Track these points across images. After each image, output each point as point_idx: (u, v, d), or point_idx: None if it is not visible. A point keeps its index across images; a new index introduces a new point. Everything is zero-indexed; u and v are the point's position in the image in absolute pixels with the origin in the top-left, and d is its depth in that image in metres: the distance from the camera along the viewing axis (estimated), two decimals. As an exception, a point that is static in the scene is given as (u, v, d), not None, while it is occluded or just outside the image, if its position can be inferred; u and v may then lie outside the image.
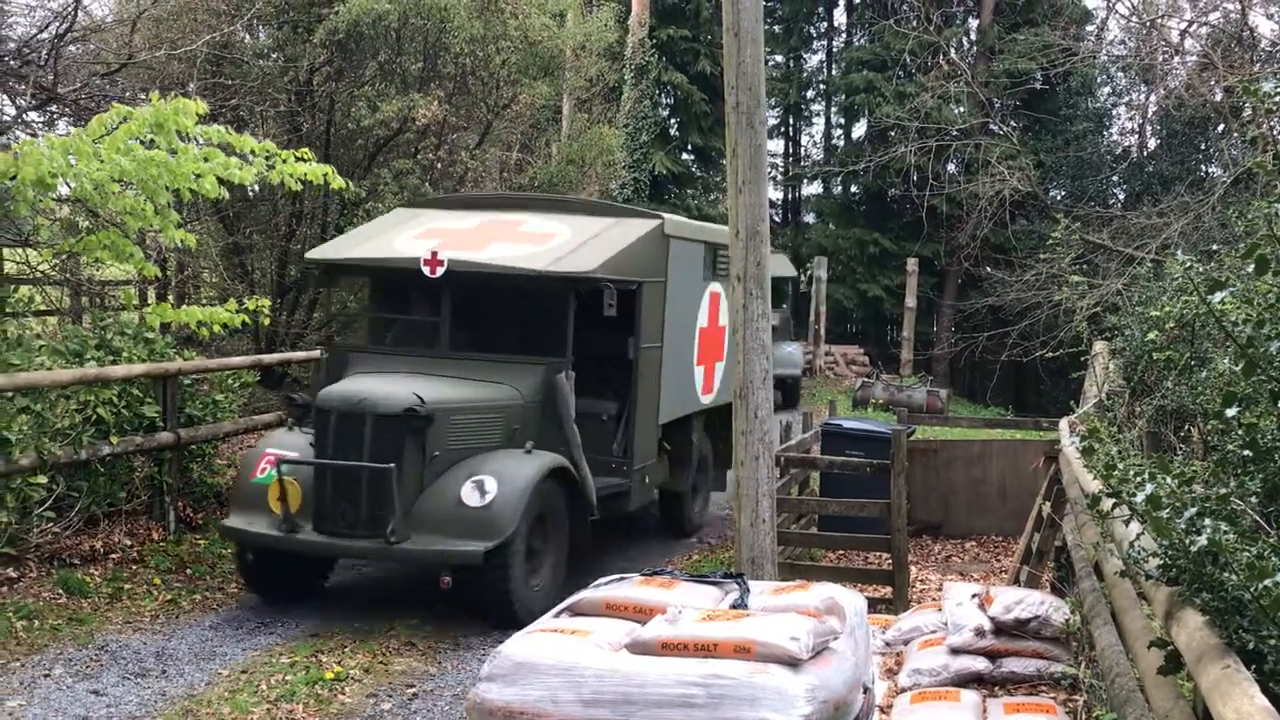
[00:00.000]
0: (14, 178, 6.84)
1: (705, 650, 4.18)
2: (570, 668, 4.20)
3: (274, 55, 13.11)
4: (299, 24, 12.83)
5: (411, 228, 9.11)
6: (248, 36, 13.70)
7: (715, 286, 10.51)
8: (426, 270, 8.24)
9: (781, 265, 21.35)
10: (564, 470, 7.91)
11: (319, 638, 7.24)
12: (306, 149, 8.26)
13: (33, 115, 10.82)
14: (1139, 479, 3.39)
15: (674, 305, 9.48)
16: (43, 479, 7.59)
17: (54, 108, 10.87)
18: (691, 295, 10.03)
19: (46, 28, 10.65)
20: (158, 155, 7.30)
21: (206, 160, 7.58)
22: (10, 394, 7.55)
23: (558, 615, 4.92)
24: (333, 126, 13.18)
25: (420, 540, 7.22)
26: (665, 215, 9.63)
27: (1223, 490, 3.18)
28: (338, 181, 8.31)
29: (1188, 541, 3.01)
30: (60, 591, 7.54)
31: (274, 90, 12.72)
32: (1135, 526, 3.74)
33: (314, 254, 9.32)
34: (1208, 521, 2.95)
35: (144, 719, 5.88)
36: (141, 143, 7.36)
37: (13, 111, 10.60)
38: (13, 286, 11.34)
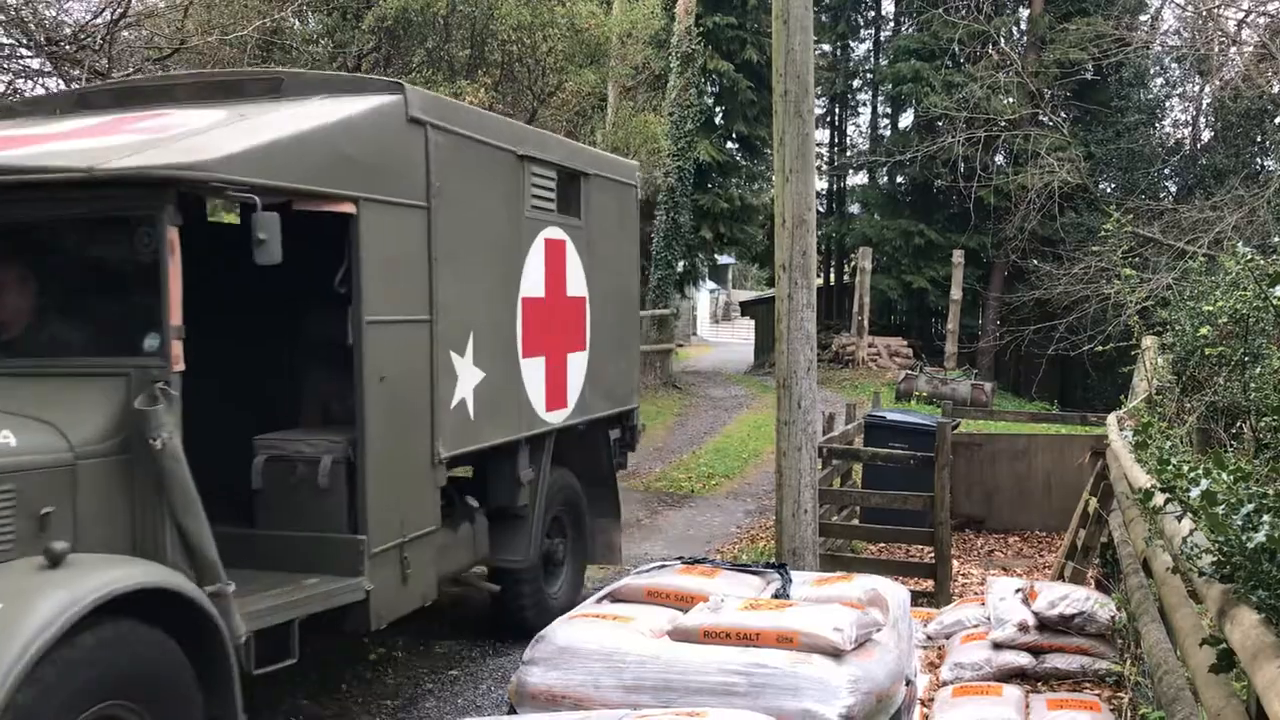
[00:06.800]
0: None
1: (747, 639, 4.18)
2: (612, 653, 4.22)
3: (323, 41, 13.21)
4: (348, 10, 12.92)
5: None
6: (297, 23, 13.80)
7: (555, 231, 6.83)
8: None
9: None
10: (165, 594, 3.96)
11: (362, 619, 7.29)
12: None
13: (87, 99, 10.97)
14: (1193, 474, 3.34)
15: (452, 254, 5.71)
16: None
17: (108, 92, 11.01)
18: (498, 239, 6.24)
19: (101, 13, 10.80)
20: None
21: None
22: None
23: (599, 601, 4.94)
24: (380, 113, 13.29)
25: None
26: (417, 89, 5.62)
27: (1281, 487, 3.12)
28: None
29: (1244, 538, 2.96)
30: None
31: (323, 76, 12.84)
32: (1187, 523, 3.68)
33: None
34: (1266, 518, 2.90)
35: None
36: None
37: (67, 95, 10.75)
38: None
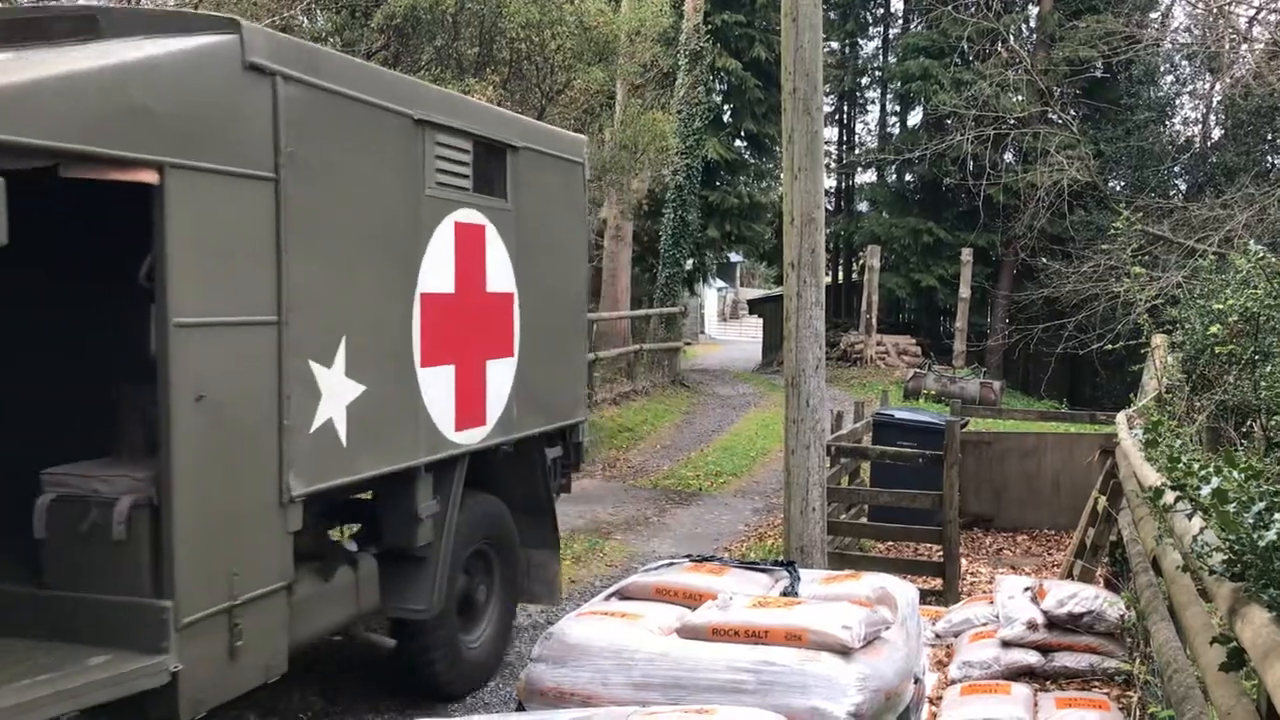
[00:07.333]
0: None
1: (756, 637, 4.17)
2: (621, 651, 4.21)
3: (332, 40, 13.23)
4: (357, 8, 12.93)
5: None
6: (306, 21, 13.83)
7: (470, 214, 5.81)
8: None
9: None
10: None
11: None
12: None
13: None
14: (1204, 473, 3.33)
15: (313, 238, 4.61)
16: None
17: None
18: (386, 222, 5.19)
19: (111, 11, 10.83)
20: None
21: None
22: None
23: (608, 599, 4.94)
24: (388, 110, 13.33)
25: None
26: (261, 28, 4.49)
27: (1293, 485, 3.12)
28: None
29: (1255, 536, 2.95)
30: None
31: (331, 74, 12.86)
32: (1198, 521, 3.68)
33: None
34: (1277, 517, 2.90)
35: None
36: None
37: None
38: None
